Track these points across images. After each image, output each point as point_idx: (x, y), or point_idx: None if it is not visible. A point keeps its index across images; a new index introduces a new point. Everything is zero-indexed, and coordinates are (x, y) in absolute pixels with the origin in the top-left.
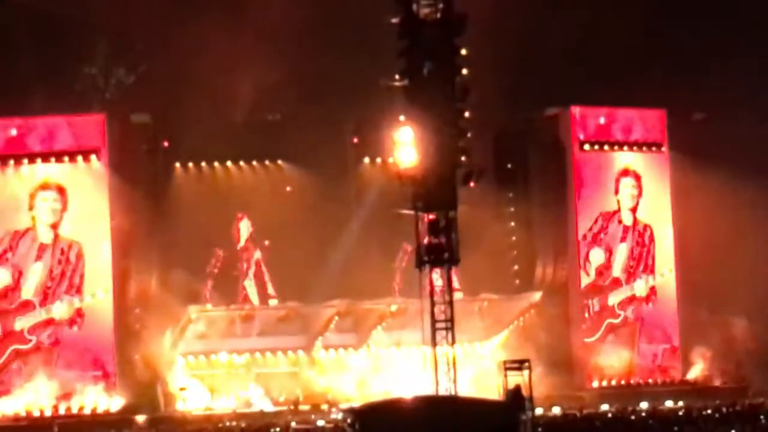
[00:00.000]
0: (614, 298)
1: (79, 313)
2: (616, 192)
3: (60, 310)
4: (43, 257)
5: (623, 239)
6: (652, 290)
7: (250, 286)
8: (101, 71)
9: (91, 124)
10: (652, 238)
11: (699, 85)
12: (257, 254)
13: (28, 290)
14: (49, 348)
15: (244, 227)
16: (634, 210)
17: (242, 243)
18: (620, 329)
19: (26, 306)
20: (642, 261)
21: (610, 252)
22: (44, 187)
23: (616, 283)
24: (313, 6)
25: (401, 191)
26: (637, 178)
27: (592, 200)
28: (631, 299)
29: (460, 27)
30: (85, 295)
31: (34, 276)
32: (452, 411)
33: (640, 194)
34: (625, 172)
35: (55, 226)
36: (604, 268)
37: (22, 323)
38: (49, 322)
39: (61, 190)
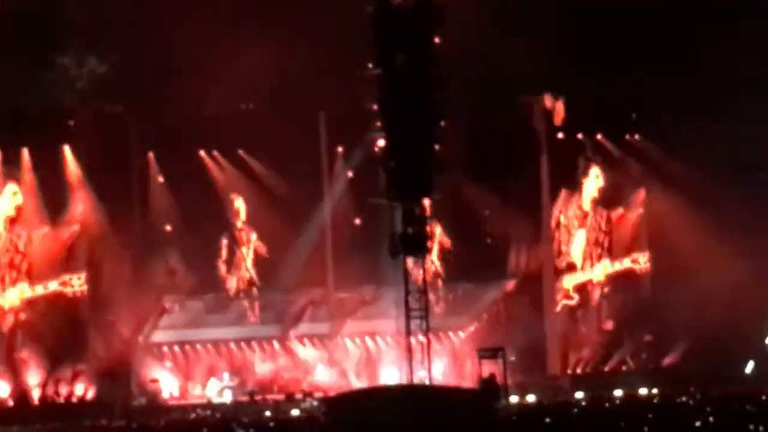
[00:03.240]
0: (569, 282)
1: (31, 301)
2: (583, 178)
3: (12, 298)
4: None
5: (582, 225)
6: (611, 276)
7: (246, 270)
8: (73, 60)
9: (63, 113)
10: (613, 224)
11: (678, 76)
12: (253, 236)
13: None
14: (12, 335)
15: (241, 206)
16: (597, 197)
17: (243, 219)
18: (579, 313)
19: None
20: (601, 246)
21: (569, 235)
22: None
23: (571, 267)
24: None
25: (375, 180)
26: (607, 165)
27: (564, 188)
28: (589, 283)
29: (434, 16)
30: (49, 282)
31: None
32: (427, 400)
33: (605, 181)
34: (594, 160)
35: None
36: (564, 252)
37: None
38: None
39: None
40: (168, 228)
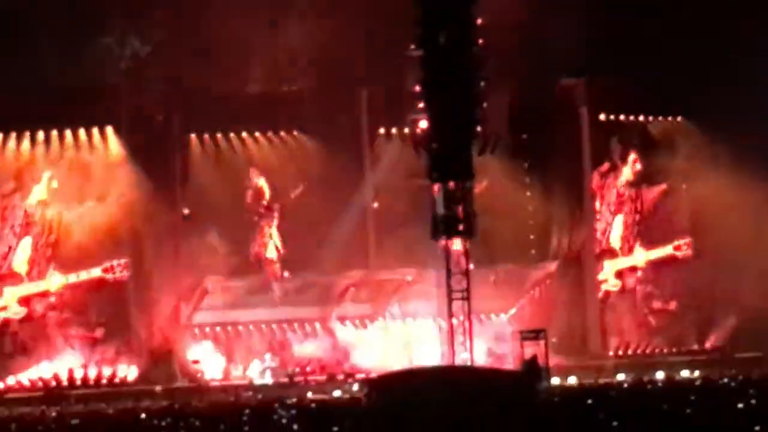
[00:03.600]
0: (610, 268)
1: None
2: (623, 162)
3: (55, 280)
4: (32, 231)
5: (619, 211)
6: (654, 261)
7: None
8: (116, 41)
9: (106, 94)
10: (655, 207)
11: (721, 56)
12: (275, 216)
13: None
14: (53, 316)
15: (263, 184)
16: (633, 180)
17: (267, 198)
18: (622, 298)
19: (13, 277)
20: (640, 230)
21: (605, 219)
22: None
23: (612, 252)
24: None
25: (417, 161)
26: (649, 147)
27: (606, 170)
28: (631, 268)
29: None
30: (92, 269)
31: (24, 251)
32: (468, 381)
33: (643, 164)
34: (632, 144)
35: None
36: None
37: (11, 293)
38: (45, 294)
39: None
40: (186, 212)
